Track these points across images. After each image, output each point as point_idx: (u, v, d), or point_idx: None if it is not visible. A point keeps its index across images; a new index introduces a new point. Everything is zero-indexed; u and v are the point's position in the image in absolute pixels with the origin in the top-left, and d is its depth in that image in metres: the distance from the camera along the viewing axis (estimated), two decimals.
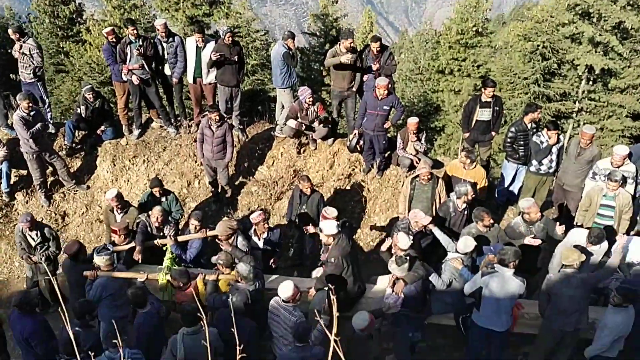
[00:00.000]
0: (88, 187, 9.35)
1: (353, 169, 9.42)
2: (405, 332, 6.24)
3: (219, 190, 9.17)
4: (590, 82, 18.52)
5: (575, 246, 6.44)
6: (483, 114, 8.61)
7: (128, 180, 9.45)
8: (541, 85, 18.51)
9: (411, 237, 6.45)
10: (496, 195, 9.10)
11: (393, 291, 6.08)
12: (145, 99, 9.36)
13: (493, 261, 6.15)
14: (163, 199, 7.80)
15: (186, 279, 6.16)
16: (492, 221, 6.85)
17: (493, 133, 8.90)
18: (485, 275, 6.00)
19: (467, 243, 6.43)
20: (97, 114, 9.26)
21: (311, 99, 8.81)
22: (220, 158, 8.48)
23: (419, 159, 8.52)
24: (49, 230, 7.40)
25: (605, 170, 7.43)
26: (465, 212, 7.33)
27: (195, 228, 7.11)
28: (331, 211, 6.92)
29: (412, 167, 8.78)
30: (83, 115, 9.16)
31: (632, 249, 6.72)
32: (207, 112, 8.40)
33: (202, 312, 2.75)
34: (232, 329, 2.34)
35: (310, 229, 7.38)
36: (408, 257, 6.07)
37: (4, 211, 9.02)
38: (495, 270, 5.97)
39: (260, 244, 7.11)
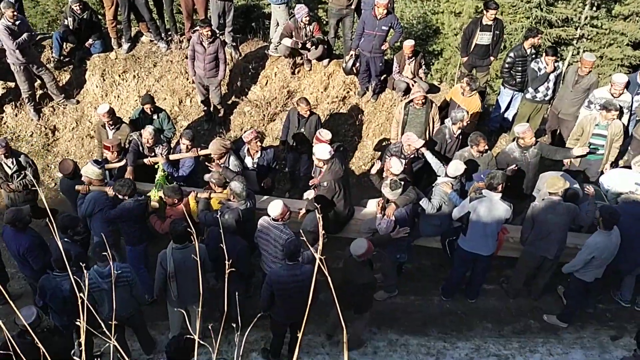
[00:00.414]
0: (78, 102, 9.18)
1: (348, 92, 9.29)
2: (392, 254, 6.42)
3: (211, 109, 9.04)
4: (594, 8, 18.03)
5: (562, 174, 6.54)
6: (483, 38, 8.40)
7: (118, 96, 9.27)
8: (544, 9, 17.94)
9: (403, 162, 6.49)
10: (490, 122, 9.08)
11: (384, 215, 6.19)
12: (135, 11, 8.98)
13: (482, 187, 6.24)
14: (155, 116, 7.69)
15: (178, 196, 6.21)
16: (486, 147, 6.88)
17: (492, 58, 8.73)
18: (474, 200, 6.10)
19: (457, 167, 6.48)
20: (85, 26, 8.90)
21: (307, 18, 8.51)
22: (213, 76, 8.28)
23: (414, 82, 8.40)
24: (25, 159, 7.12)
25: (601, 99, 7.37)
26: (460, 138, 7.33)
27: (187, 147, 7.07)
28: (325, 133, 6.88)
29: (407, 91, 8.66)
30: (70, 27, 8.83)
31: (619, 180, 6.81)
32: (198, 28, 8.11)
33: (193, 230, 2.78)
34: (222, 246, 2.38)
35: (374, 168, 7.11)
36: (402, 182, 6.13)
37: None
38: (484, 196, 6.07)
39: (253, 164, 7.10)
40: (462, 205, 6.25)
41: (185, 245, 5.47)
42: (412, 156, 6.99)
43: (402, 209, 6.16)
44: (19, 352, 2.47)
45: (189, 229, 5.52)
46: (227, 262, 2.21)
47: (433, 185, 6.71)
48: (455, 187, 6.52)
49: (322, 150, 6.27)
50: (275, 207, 5.71)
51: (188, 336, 4.72)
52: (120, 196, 6.07)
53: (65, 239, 5.60)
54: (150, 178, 6.83)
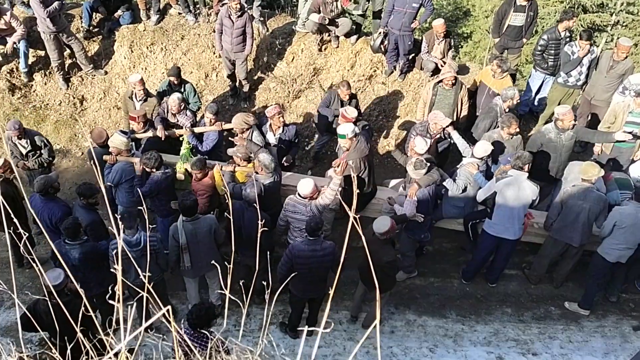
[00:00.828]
0: (106, 73, 9.24)
1: (375, 70, 9.19)
2: (417, 234, 6.38)
3: (237, 84, 9.03)
4: None
5: (595, 161, 6.41)
6: (516, 19, 8.21)
7: (146, 68, 9.30)
8: None
9: (429, 141, 6.42)
10: (519, 106, 8.91)
11: (407, 195, 6.15)
12: None
13: (507, 170, 6.16)
14: (181, 89, 7.71)
15: (204, 168, 6.24)
16: (517, 130, 6.76)
17: (524, 40, 8.54)
18: (500, 181, 6.02)
19: (485, 147, 6.39)
20: None
21: None
22: (240, 50, 8.25)
23: (444, 62, 8.26)
24: (40, 138, 7.12)
25: (637, 85, 7.17)
26: None
27: (210, 121, 7.08)
28: (351, 111, 6.83)
29: (435, 71, 8.53)
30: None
31: None
32: (227, 1, 8.07)
33: (228, 197, 2.77)
34: (244, 220, 2.37)
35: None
36: (427, 162, 6.08)
37: (23, 91, 9.01)
38: (510, 175, 5.98)
39: (275, 140, 7.07)
40: (488, 187, 6.17)
41: (195, 218, 5.56)
42: (438, 136, 6.91)
43: (424, 190, 6.11)
44: (46, 313, 2.51)
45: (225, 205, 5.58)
46: (260, 226, 2.20)
47: (458, 165, 6.63)
48: (481, 169, 6.44)
49: (345, 128, 6.23)
50: (306, 185, 5.71)
51: (209, 304, 4.81)
52: (147, 169, 6.14)
53: (81, 206, 5.71)
54: (175, 151, 6.87)
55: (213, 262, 3.26)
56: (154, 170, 6.12)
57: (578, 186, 6.13)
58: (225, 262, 2.30)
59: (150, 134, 6.97)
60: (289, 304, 6.12)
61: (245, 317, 6.14)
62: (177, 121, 7.18)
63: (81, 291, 2.03)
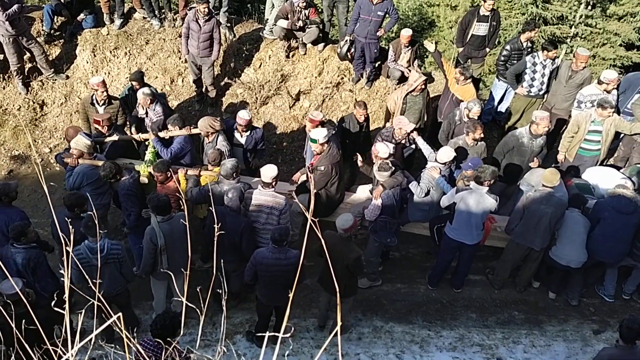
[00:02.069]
0: (67, 77, 9.02)
1: (342, 78, 9.23)
2: (384, 238, 6.41)
3: (203, 89, 8.93)
4: (589, 7, 18.06)
5: (555, 167, 6.59)
6: (480, 29, 8.39)
7: (109, 73, 9.12)
8: (540, 6, 17.95)
9: (391, 146, 6.51)
10: (482, 114, 9.07)
11: (372, 196, 6.22)
12: None
13: (470, 176, 6.26)
14: None
15: (167, 171, 6.11)
16: (482, 136, 6.88)
17: (487, 49, 8.72)
18: (460, 191, 6.12)
19: (447, 153, 6.52)
20: (77, 0, 8.74)
21: (304, 2, 8.43)
22: (206, 55, 8.17)
23: (409, 70, 8.36)
24: None
25: (590, 96, 7.41)
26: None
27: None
28: (317, 114, 6.84)
29: (401, 80, 8.62)
30: (62, 1, 8.65)
31: (600, 177, 6.89)
32: (194, 5, 7.99)
33: (184, 204, 2.72)
34: (223, 224, 2.32)
35: (359, 159, 6.93)
36: (392, 165, 6.14)
37: None
38: (471, 188, 6.09)
39: (243, 140, 7.03)
40: (451, 194, 6.26)
41: (170, 216, 5.49)
42: (403, 141, 6.97)
43: (389, 192, 6.19)
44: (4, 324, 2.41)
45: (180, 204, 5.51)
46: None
47: (422, 170, 6.71)
48: (444, 173, 6.53)
49: (318, 133, 6.23)
50: (271, 169, 5.81)
51: (173, 313, 4.70)
52: (112, 180, 6.07)
53: (67, 218, 5.49)
54: (139, 154, 6.77)
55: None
56: (112, 180, 6.03)
57: (540, 191, 6.28)
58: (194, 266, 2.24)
59: (115, 137, 6.82)
60: (256, 310, 6.05)
61: (210, 326, 6.05)
62: (147, 116, 7.11)
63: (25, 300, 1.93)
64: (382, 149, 6.30)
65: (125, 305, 5.87)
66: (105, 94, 7.21)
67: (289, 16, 8.57)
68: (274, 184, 5.86)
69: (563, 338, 6.65)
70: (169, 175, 6.14)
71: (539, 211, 6.24)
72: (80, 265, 4.92)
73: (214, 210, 3.20)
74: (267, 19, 9.36)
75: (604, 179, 6.81)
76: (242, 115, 6.83)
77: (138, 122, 7.39)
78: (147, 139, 6.80)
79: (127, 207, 6.19)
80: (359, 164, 6.89)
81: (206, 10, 7.74)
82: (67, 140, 6.62)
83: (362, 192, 7.02)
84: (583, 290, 7.06)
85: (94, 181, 6.18)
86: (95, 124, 6.89)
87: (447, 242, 6.54)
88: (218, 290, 2.32)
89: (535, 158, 7.00)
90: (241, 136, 6.99)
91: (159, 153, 6.67)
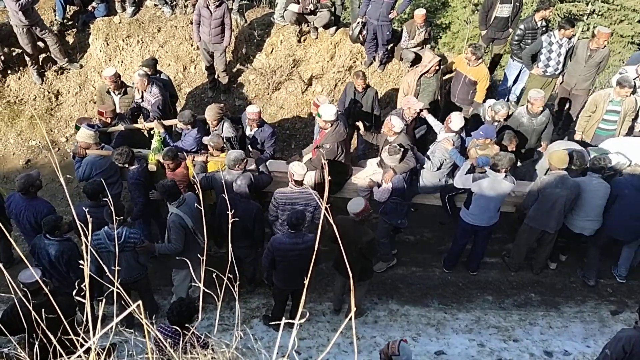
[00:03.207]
0: (81, 66, 9.07)
1: (354, 61, 9.16)
2: (394, 219, 6.41)
3: (216, 76, 8.93)
4: None
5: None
6: (503, 10, 8.28)
7: (122, 61, 9.15)
8: None
9: (403, 121, 6.53)
10: (498, 96, 8.98)
11: (382, 181, 6.25)
12: None
13: (480, 144, 6.33)
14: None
15: (175, 159, 6.15)
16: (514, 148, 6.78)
17: (510, 30, 8.60)
18: (477, 179, 6.09)
19: (459, 120, 6.52)
20: None
21: None
22: (218, 42, 8.16)
23: (424, 46, 8.32)
24: None
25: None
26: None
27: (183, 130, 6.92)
28: (323, 99, 6.81)
29: (415, 62, 8.54)
30: None
31: (625, 148, 6.75)
32: None
33: (199, 189, 2.74)
34: (235, 211, 2.32)
35: (361, 126, 6.98)
36: (401, 148, 6.12)
37: None
38: (487, 175, 6.04)
39: (250, 135, 7.00)
40: (466, 179, 6.22)
41: (181, 201, 5.53)
42: (411, 120, 6.97)
43: (399, 176, 6.19)
44: (25, 314, 2.46)
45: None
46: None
47: (434, 142, 6.71)
48: (456, 144, 6.53)
49: (328, 111, 6.20)
50: (299, 169, 5.74)
51: (188, 300, 4.77)
52: (119, 165, 6.08)
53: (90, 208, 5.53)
54: (147, 143, 6.81)
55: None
56: (127, 165, 6.05)
57: (554, 174, 6.23)
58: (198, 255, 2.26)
59: (121, 127, 6.87)
60: (272, 296, 6.11)
61: (227, 310, 6.11)
62: (142, 99, 7.12)
63: (47, 290, 1.97)
64: (397, 123, 6.31)
65: (145, 291, 5.97)
66: (116, 84, 7.20)
67: (300, 0, 8.51)
68: (304, 180, 5.79)
69: (580, 319, 6.63)
70: (178, 162, 6.19)
71: (554, 194, 6.20)
72: (96, 252, 5.09)
73: (226, 198, 3.20)
74: (277, 3, 9.30)
75: (627, 149, 6.70)
76: (251, 110, 6.78)
77: (134, 110, 7.28)
78: (152, 128, 6.81)
79: (134, 196, 6.24)
80: (362, 132, 6.91)
81: None
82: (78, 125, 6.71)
83: (370, 166, 6.99)
84: (600, 270, 7.02)
85: (103, 171, 6.21)
86: (98, 115, 6.94)
87: (462, 226, 6.53)
88: (230, 275, 2.34)
89: (543, 143, 7.01)
90: (250, 130, 6.98)
91: (164, 141, 6.68)
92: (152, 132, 6.84)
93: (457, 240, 6.85)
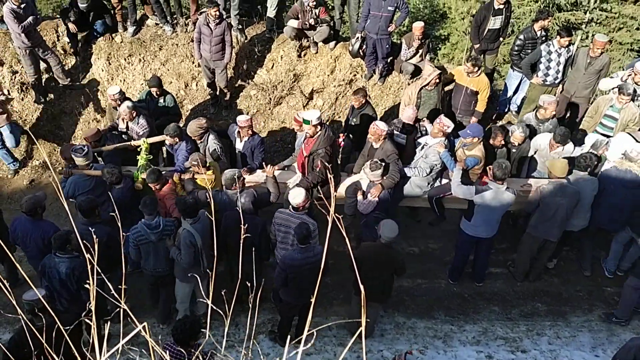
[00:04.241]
0: (83, 86, 9.14)
1: (354, 75, 9.22)
2: (373, 232, 6.39)
3: (217, 92, 8.98)
4: None
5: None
6: (495, 22, 8.33)
7: (124, 80, 9.22)
8: None
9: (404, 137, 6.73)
10: (499, 106, 9.02)
11: (367, 194, 6.31)
12: None
13: (468, 143, 6.42)
14: (161, 99, 7.67)
15: (158, 179, 6.17)
16: (502, 142, 6.80)
17: (501, 39, 8.66)
18: (480, 193, 6.09)
19: (450, 122, 6.62)
20: (90, 10, 8.75)
21: (314, 2, 8.43)
22: (219, 59, 8.23)
23: (423, 58, 8.38)
24: None
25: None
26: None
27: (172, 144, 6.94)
28: (302, 114, 6.75)
29: (414, 74, 8.59)
30: (75, 9, 8.68)
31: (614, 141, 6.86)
32: (204, 9, 8.04)
33: (211, 203, 2.72)
34: (242, 225, 2.30)
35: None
36: (382, 163, 6.20)
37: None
38: (489, 187, 6.06)
39: (241, 146, 7.06)
40: (468, 190, 6.20)
41: (199, 217, 5.56)
42: (413, 130, 7.07)
43: (385, 191, 6.29)
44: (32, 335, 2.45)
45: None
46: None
47: (424, 145, 6.72)
48: (447, 146, 6.58)
49: (314, 115, 6.15)
50: (297, 195, 5.66)
51: (193, 317, 4.76)
52: (109, 183, 6.16)
53: (84, 224, 5.52)
54: (136, 160, 6.79)
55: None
56: (115, 185, 6.11)
57: (554, 183, 6.27)
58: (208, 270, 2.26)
59: (109, 147, 6.96)
60: (279, 312, 6.07)
61: (233, 327, 6.08)
62: (130, 130, 7.16)
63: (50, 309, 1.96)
64: (381, 125, 6.41)
65: (169, 289, 6.11)
66: (121, 103, 7.21)
67: (300, 16, 8.58)
68: (302, 208, 5.71)
69: (588, 328, 6.58)
70: (164, 182, 6.24)
71: (555, 203, 6.22)
72: (137, 245, 5.45)
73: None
74: (268, 17, 9.36)
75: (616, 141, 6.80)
76: (242, 118, 6.87)
77: (113, 137, 7.25)
78: (139, 146, 6.80)
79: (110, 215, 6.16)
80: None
81: (217, 13, 7.78)
82: (64, 158, 6.82)
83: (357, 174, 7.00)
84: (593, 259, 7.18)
85: (87, 191, 6.19)
86: (85, 140, 7.01)
87: (464, 238, 6.54)
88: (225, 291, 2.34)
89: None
90: (240, 141, 7.01)
91: (150, 160, 6.71)
92: (138, 149, 6.85)
93: (458, 252, 6.84)
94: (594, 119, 7.31)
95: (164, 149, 7.49)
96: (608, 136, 7.17)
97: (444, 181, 6.82)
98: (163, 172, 6.38)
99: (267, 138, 8.76)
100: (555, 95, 8.32)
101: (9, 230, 5.96)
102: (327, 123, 6.78)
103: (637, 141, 6.62)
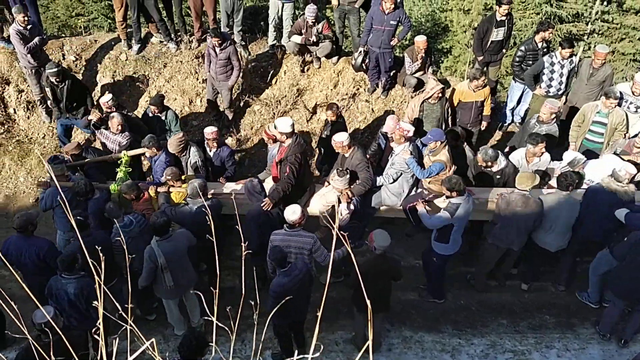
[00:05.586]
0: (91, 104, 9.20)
1: (358, 89, 9.26)
2: (352, 243, 6.37)
3: (220, 109, 9.02)
4: (605, 3, 17.86)
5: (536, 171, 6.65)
6: (498, 34, 8.37)
7: (129, 98, 9.28)
8: (554, 5, 17.81)
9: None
10: (502, 117, 9.03)
11: (339, 204, 6.31)
12: (144, 12, 9.03)
13: (432, 148, 6.49)
14: (162, 116, 7.71)
15: (136, 191, 6.27)
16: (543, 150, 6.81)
17: (504, 50, 8.70)
18: (450, 210, 6.02)
19: (408, 127, 6.65)
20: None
21: (314, 19, 8.51)
22: (223, 80, 8.30)
23: (426, 71, 8.44)
24: None
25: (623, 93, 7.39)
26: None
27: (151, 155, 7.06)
28: (273, 129, 6.75)
29: (417, 87, 8.62)
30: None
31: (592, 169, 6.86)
32: (209, 33, 8.16)
33: (210, 220, 2.75)
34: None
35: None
36: (347, 171, 6.26)
37: (6, 126, 8.97)
38: (459, 202, 6.02)
39: (211, 154, 7.18)
40: (446, 218, 6.07)
41: (169, 236, 5.59)
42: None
43: (355, 199, 6.34)
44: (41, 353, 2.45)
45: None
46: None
47: (391, 154, 6.74)
48: (413, 153, 6.57)
49: (284, 123, 6.20)
50: (294, 211, 5.61)
51: (198, 333, 4.74)
52: (82, 198, 6.21)
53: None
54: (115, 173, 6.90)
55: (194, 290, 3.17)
56: (83, 198, 6.20)
57: (516, 194, 6.24)
58: (211, 287, 2.26)
59: (88, 159, 7.08)
60: (275, 333, 5.99)
61: (240, 343, 6.05)
62: (112, 141, 7.31)
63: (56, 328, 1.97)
64: (338, 137, 6.47)
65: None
66: (113, 109, 7.47)
67: (302, 32, 8.66)
68: (298, 224, 5.67)
69: (597, 341, 6.51)
70: (139, 194, 6.32)
71: (516, 214, 6.20)
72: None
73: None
74: (269, 32, 9.46)
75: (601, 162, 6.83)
76: (209, 130, 7.05)
77: (93, 151, 7.43)
78: (120, 158, 6.91)
79: (93, 226, 6.07)
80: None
81: (219, 41, 7.90)
82: (67, 152, 7.03)
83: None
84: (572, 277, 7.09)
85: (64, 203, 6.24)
86: (66, 154, 7.07)
87: (444, 259, 6.48)
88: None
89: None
90: (210, 150, 7.15)
91: (129, 172, 6.86)
92: (118, 162, 6.94)
93: (438, 275, 6.76)
94: (582, 128, 7.36)
95: (145, 162, 7.71)
96: (599, 142, 7.20)
97: (419, 190, 6.85)
98: (139, 185, 6.50)
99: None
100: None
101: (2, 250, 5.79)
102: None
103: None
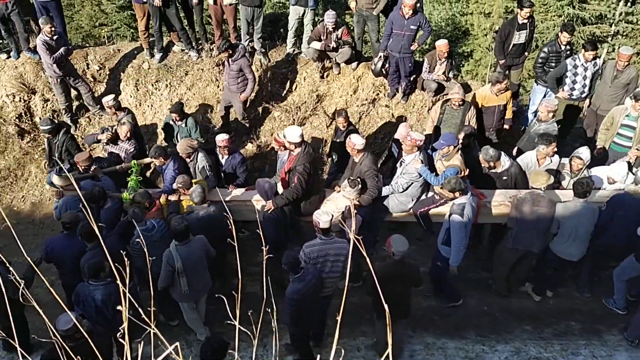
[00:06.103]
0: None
1: (377, 94, 9.25)
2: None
3: (229, 119, 9.03)
4: (629, 4, 17.59)
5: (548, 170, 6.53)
6: (520, 37, 8.30)
7: (152, 105, 9.44)
8: (576, 7, 17.62)
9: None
10: (524, 120, 8.94)
11: (345, 212, 6.27)
12: (166, 21, 9.17)
13: (445, 153, 6.46)
14: (183, 124, 7.79)
15: (148, 199, 6.31)
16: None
17: (526, 54, 8.62)
18: (458, 212, 5.95)
19: (418, 136, 6.59)
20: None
21: (333, 25, 8.54)
22: (235, 92, 8.33)
23: (447, 79, 8.37)
24: None
25: None
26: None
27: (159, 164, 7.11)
28: (282, 135, 6.74)
29: (438, 91, 8.58)
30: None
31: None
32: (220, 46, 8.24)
33: (231, 224, 2.77)
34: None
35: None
36: (359, 182, 6.22)
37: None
38: (463, 202, 5.96)
39: (223, 162, 7.24)
40: (461, 229, 5.98)
41: (188, 241, 5.64)
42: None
43: (365, 208, 6.31)
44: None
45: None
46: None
47: (401, 161, 6.68)
48: (424, 161, 6.52)
49: (293, 133, 6.19)
50: (326, 220, 5.53)
51: (219, 337, 4.76)
52: (94, 205, 6.29)
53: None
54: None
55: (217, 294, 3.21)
56: (95, 205, 6.27)
57: (530, 193, 6.19)
58: (233, 292, 2.28)
59: (98, 172, 7.02)
60: (292, 342, 5.97)
61: (262, 348, 6.05)
62: (119, 149, 7.44)
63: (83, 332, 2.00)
64: (358, 140, 6.41)
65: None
66: (113, 109, 7.75)
67: (322, 38, 8.69)
68: (331, 229, 5.61)
69: (625, 348, 6.37)
70: (152, 202, 6.36)
71: (534, 214, 6.12)
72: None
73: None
74: (288, 38, 9.52)
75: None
76: (221, 137, 7.07)
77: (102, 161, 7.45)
78: (130, 168, 6.96)
79: (105, 234, 6.13)
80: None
81: (228, 54, 7.97)
82: (79, 163, 7.01)
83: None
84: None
85: (78, 211, 6.21)
86: (77, 164, 7.04)
87: (444, 267, 6.40)
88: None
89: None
90: (222, 157, 7.21)
91: (140, 181, 6.91)
92: (129, 171, 6.99)
93: (447, 279, 6.66)
94: (610, 131, 7.23)
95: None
96: (627, 147, 7.11)
97: (430, 194, 6.79)
98: (151, 193, 6.54)
99: None
100: (583, 109, 8.24)
101: (44, 250, 5.98)
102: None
103: None
